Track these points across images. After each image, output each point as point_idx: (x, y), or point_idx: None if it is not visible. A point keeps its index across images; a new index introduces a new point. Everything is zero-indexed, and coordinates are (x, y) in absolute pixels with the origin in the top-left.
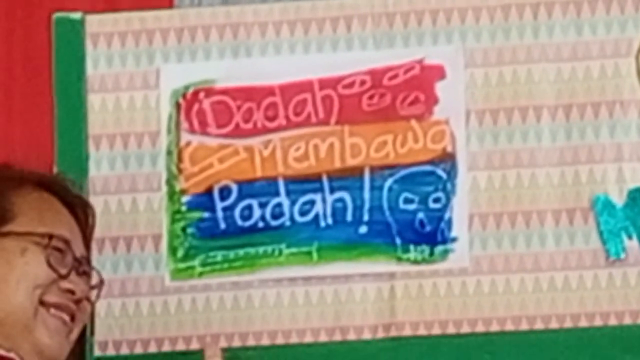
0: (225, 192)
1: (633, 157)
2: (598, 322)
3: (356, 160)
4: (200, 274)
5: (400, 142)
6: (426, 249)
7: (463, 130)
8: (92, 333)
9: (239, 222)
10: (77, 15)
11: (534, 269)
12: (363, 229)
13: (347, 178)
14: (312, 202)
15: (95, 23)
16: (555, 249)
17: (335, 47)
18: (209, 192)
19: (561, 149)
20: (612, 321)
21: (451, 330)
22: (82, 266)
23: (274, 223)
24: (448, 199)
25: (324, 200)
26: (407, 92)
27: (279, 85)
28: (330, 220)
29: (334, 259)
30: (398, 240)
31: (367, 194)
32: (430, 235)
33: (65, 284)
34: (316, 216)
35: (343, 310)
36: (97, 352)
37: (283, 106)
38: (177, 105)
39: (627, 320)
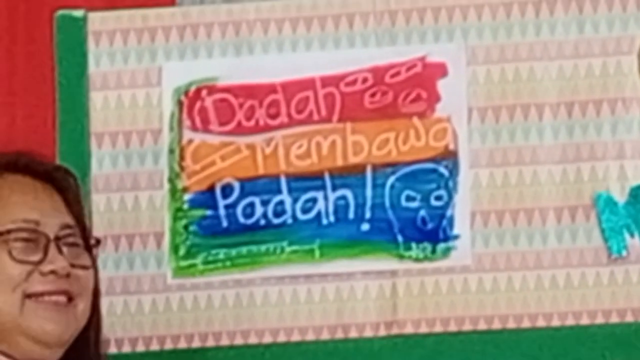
0: (227, 190)
1: (635, 155)
2: (600, 319)
3: (358, 158)
4: (202, 272)
5: (402, 140)
6: (428, 246)
7: (465, 127)
8: None
9: (241, 219)
10: (79, 13)
11: (535, 266)
12: (365, 227)
13: (349, 176)
14: (314, 200)
15: (97, 21)
16: (557, 247)
17: (337, 44)
18: (211, 190)
19: (563, 146)
20: (614, 319)
21: (453, 328)
22: (65, 238)
23: (276, 221)
24: (450, 197)
25: (326, 198)
26: (409, 90)
27: (281, 83)
28: (332, 218)
29: (336, 256)
30: (400, 238)
31: (369, 192)
32: (432, 232)
33: (45, 268)
34: (318, 214)
35: (345, 308)
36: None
37: (285, 104)
38: (180, 103)
39: (629, 318)
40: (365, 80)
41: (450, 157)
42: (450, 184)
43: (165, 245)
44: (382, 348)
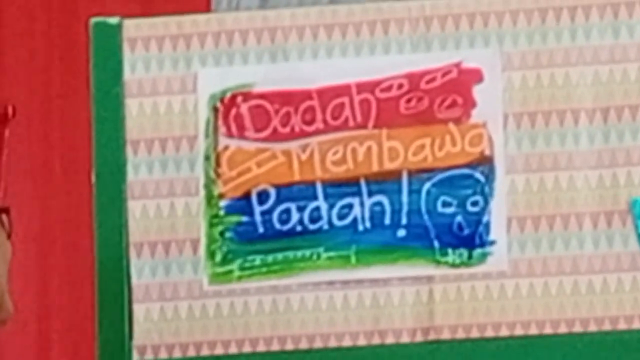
0: (263, 196)
1: None
2: (637, 324)
3: (394, 163)
4: (239, 278)
5: (438, 146)
6: (464, 252)
7: (501, 133)
8: (131, 337)
9: (277, 225)
10: (114, 20)
11: (572, 271)
12: (401, 233)
13: (385, 182)
14: (350, 206)
15: (132, 28)
16: (593, 252)
17: (372, 50)
18: (247, 196)
19: (599, 151)
20: None
21: (490, 333)
22: None
23: (312, 227)
24: (486, 202)
25: (362, 204)
26: (444, 96)
27: (317, 89)
28: (368, 224)
29: (372, 262)
30: (436, 244)
31: (405, 198)
32: (468, 238)
33: None
34: (354, 220)
35: (381, 314)
36: (135, 357)
37: (321, 110)
38: (215, 110)
39: None
40: (400, 86)
41: (486, 162)
42: (487, 189)
43: (201, 252)
44: (419, 354)
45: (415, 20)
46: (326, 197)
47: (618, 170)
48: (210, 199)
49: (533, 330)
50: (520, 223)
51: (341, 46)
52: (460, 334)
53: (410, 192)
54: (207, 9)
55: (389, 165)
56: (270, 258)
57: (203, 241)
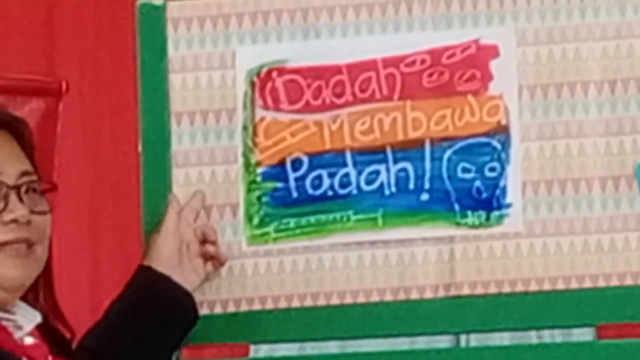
0: (297, 164)
1: None
2: None
3: (417, 133)
4: (275, 239)
5: (458, 116)
6: (483, 214)
7: (516, 104)
8: None
9: (310, 191)
10: (159, 2)
11: (582, 231)
12: (424, 197)
13: (409, 149)
14: (377, 172)
15: (175, 9)
16: (602, 213)
17: (397, 28)
18: (282, 163)
19: (607, 120)
20: None
21: (506, 289)
22: (24, 186)
23: (342, 192)
24: (503, 168)
25: (388, 170)
26: (464, 70)
27: (346, 65)
28: (394, 189)
29: (397, 224)
30: (457, 207)
31: (428, 164)
32: (486, 201)
33: (6, 217)
34: (381, 185)
35: (406, 272)
36: None
37: (350, 84)
38: (252, 84)
39: None
40: (423, 61)
41: (502, 131)
42: (503, 156)
43: (240, 215)
44: (440, 308)
45: (436, 1)
46: (355, 164)
47: (624, 137)
48: (248, 167)
49: (546, 286)
50: (534, 187)
51: (368, 24)
52: (479, 290)
53: (432, 159)
54: None
55: (412, 135)
56: (303, 220)
57: (242, 205)
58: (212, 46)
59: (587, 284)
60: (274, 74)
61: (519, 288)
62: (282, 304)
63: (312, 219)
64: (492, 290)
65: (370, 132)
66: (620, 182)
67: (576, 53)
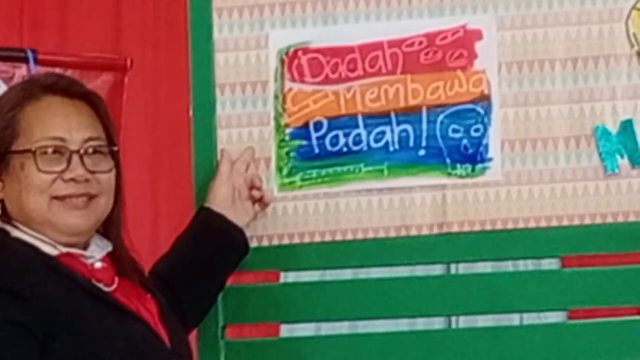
0: (318, 126)
1: (624, 96)
2: (598, 220)
3: (416, 100)
4: (300, 187)
5: (449, 87)
6: (469, 166)
7: (496, 77)
8: None
9: (329, 147)
10: None
11: (550, 181)
12: (422, 152)
13: (409, 114)
14: (383, 132)
15: (220, 0)
16: (565, 166)
17: (399, 16)
18: (305, 125)
19: (570, 91)
20: (609, 219)
21: (488, 227)
22: (90, 149)
23: (354, 148)
24: (485, 129)
25: (392, 131)
26: (453, 50)
27: (358, 45)
28: (397, 146)
29: (399, 175)
30: (448, 160)
31: (424, 126)
32: (472, 156)
33: (66, 176)
34: (386, 143)
35: (407, 213)
36: None
37: (361, 61)
38: (282, 61)
39: (620, 219)
40: (420, 43)
41: (485, 99)
42: (485, 119)
43: (272, 167)
44: (434, 243)
45: None
46: (365, 126)
47: (584, 104)
48: (278, 128)
49: (521, 225)
50: (511, 144)
51: (376, 13)
52: (466, 228)
53: (428, 122)
54: None
55: (412, 102)
56: (323, 172)
57: (273, 159)
58: (249, 30)
59: (554, 222)
60: (300, 53)
61: (499, 226)
62: (306, 239)
63: (331, 170)
64: (477, 228)
65: (378, 100)
66: (581, 141)
67: (545, 36)
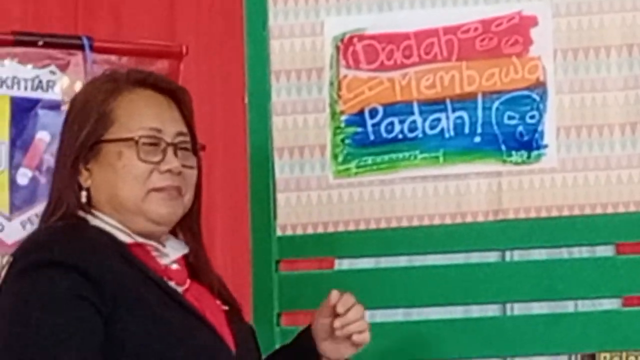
0: (373, 112)
1: None
2: None
3: (471, 87)
4: (355, 174)
5: (504, 74)
6: (524, 153)
7: (551, 64)
8: (275, 218)
9: (384, 134)
10: None
11: (605, 167)
12: (477, 139)
13: (465, 101)
14: (438, 119)
15: None
16: (621, 153)
17: (455, 3)
18: (361, 112)
19: (625, 77)
20: None
21: (543, 214)
22: (180, 143)
23: (410, 135)
24: (541, 116)
25: (447, 118)
26: (509, 36)
27: (413, 32)
28: (452, 133)
29: (455, 162)
30: (503, 147)
31: (480, 113)
32: (527, 143)
33: (162, 167)
34: (442, 130)
35: (462, 200)
36: (278, 233)
37: (416, 47)
38: (337, 48)
39: None
40: (476, 29)
41: (540, 86)
42: (541, 106)
43: (327, 155)
44: (489, 229)
45: None
46: (420, 112)
47: (639, 91)
48: (333, 115)
49: (576, 212)
50: (567, 131)
51: (431, 0)
52: (521, 215)
53: (483, 108)
54: None
55: (467, 89)
56: (378, 159)
57: (328, 146)
58: (304, 17)
59: (609, 209)
60: (355, 39)
61: (554, 213)
62: (362, 226)
63: (386, 157)
64: (532, 215)
65: (433, 87)
66: (636, 127)
67: (600, 23)
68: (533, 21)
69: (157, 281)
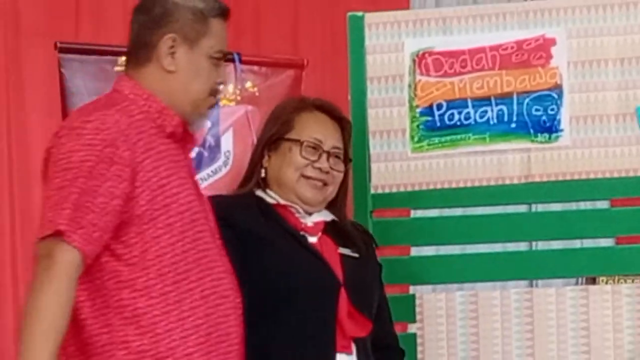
0: (439, 106)
1: None
2: (632, 173)
3: (509, 88)
4: (427, 150)
5: (532, 79)
6: (547, 135)
7: (566, 72)
8: (370, 180)
9: (447, 122)
10: (360, 14)
11: (604, 145)
12: (513, 125)
13: (504, 98)
14: (485, 111)
15: (369, 18)
16: (615, 135)
17: (497, 28)
18: (430, 106)
19: (619, 81)
20: None
21: (560, 178)
22: (334, 152)
23: (465, 122)
24: (558, 109)
25: (492, 110)
26: (536, 52)
27: (468, 49)
28: (495, 121)
29: (497, 141)
30: (532, 131)
31: (515, 107)
32: (549, 128)
33: (317, 165)
34: (488, 119)
35: (502, 169)
36: (372, 191)
37: (470, 60)
38: (414, 61)
39: None
40: (512, 47)
41: (558, 88)
42: (559, 102)
43: (407, 136)
44: (521, 189)
45: (520, 13)
46: (473, 106)
47: (629, 91)
48: (411, 108)
49: (583, 176)
50: (577, 119)
51: (481, 26)
52: (544, 178)
53: (517, 104)
54: (407, 6)
55: (506, 90)
56: (443, 139)
57: (407, 130)
58: (390, 38)
59: (607, 174)
60: (427, 55)
61: (567, 177)
62: (431, 187)
63: (448, 138)
64: (552, 178)
65: (482, 88)
66: (626, 117)
67: (601, 42)
68: (553, 42)
69: (288, 229)
